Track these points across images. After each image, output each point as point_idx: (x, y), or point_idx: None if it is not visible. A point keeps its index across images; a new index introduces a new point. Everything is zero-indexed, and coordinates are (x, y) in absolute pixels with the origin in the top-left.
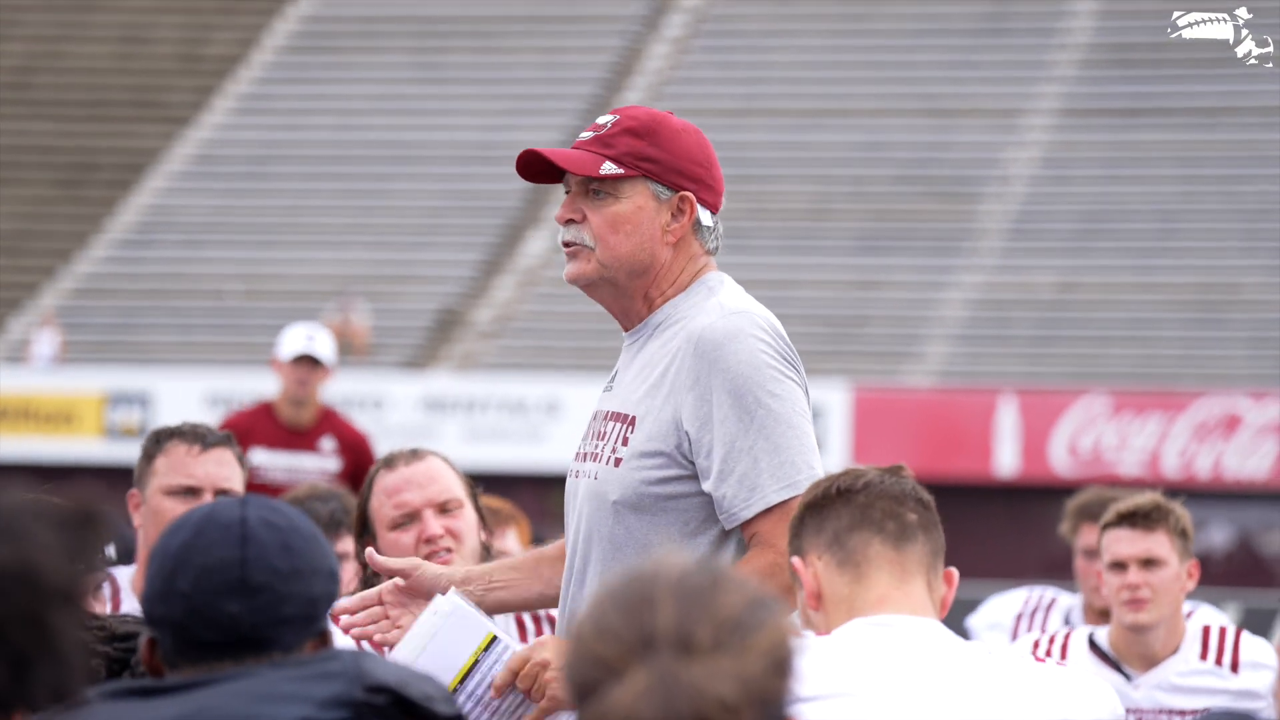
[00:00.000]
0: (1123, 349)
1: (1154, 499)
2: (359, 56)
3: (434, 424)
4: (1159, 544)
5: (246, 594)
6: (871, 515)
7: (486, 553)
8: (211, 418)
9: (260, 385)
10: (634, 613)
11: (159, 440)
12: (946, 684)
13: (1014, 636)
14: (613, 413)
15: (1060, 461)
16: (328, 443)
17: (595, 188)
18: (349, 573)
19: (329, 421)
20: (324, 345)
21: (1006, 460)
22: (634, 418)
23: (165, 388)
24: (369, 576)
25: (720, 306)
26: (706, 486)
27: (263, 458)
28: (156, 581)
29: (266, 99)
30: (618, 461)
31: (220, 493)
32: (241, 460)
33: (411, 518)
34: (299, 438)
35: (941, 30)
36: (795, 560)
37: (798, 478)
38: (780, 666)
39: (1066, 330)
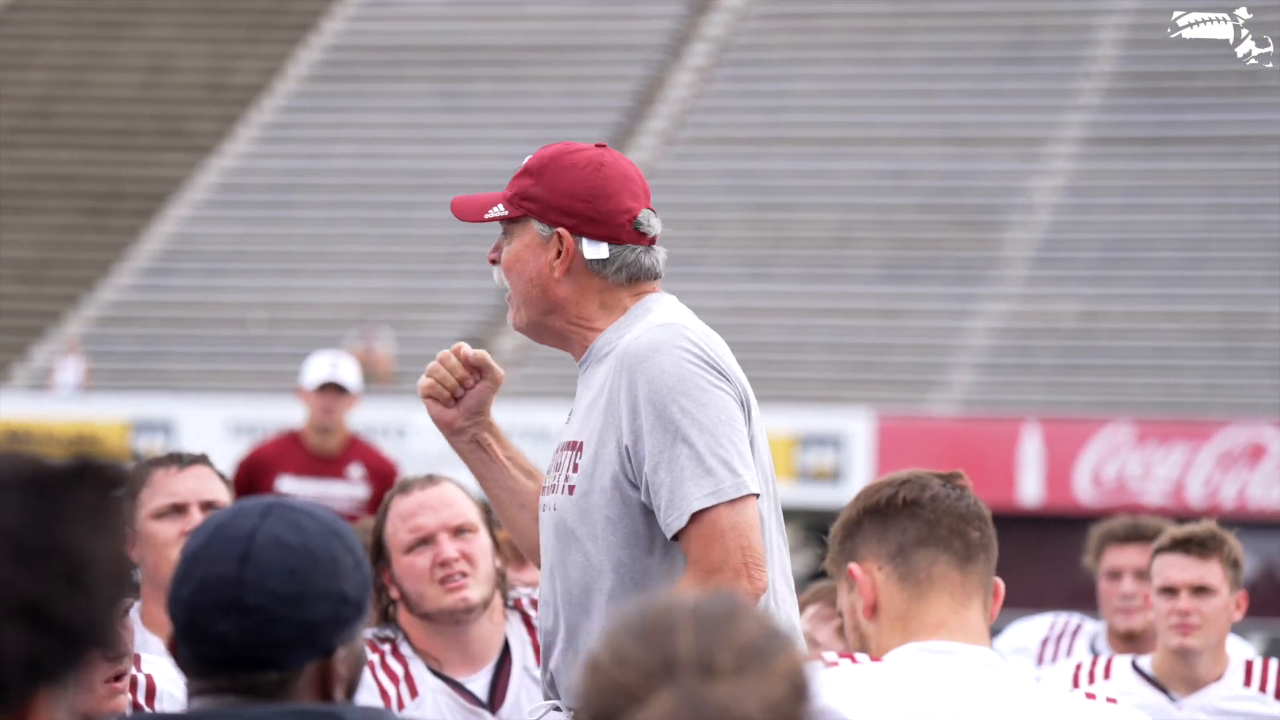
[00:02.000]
0: (1147, 378)
1: (1209, 527)
2: (382, 85)
3: None
4: (1212, 572)
5: (239, 614)
6: (939, 532)
7: (502, 579)
8: (235, 445)
9: (283, 413)
10: (653, 640)
11: (138, 474)
12: (1007, 716)
13: (1039, 661)
14: (567, 442)
15: (1084, 491)
16: (356, 470)
17: (504, 229)
18: None
19: (356, 449)
20: (349, 372)
21: (1030, 489)
22: (581, 443)
23: (189, 415)
24: (386, 603)
25: (648, 323)
26: (647, 501)
27: (290, 486)
28: (172, 583)
29: (290, 127)
30: (571, 489)
31: (206, 505)
32: (224, 478)
33: (426, 541)
34: (327, 465)
35: (966, 59)
36: (854, 567)
37: (722, 485)
38: (800, 691)
39: (1091, 359)
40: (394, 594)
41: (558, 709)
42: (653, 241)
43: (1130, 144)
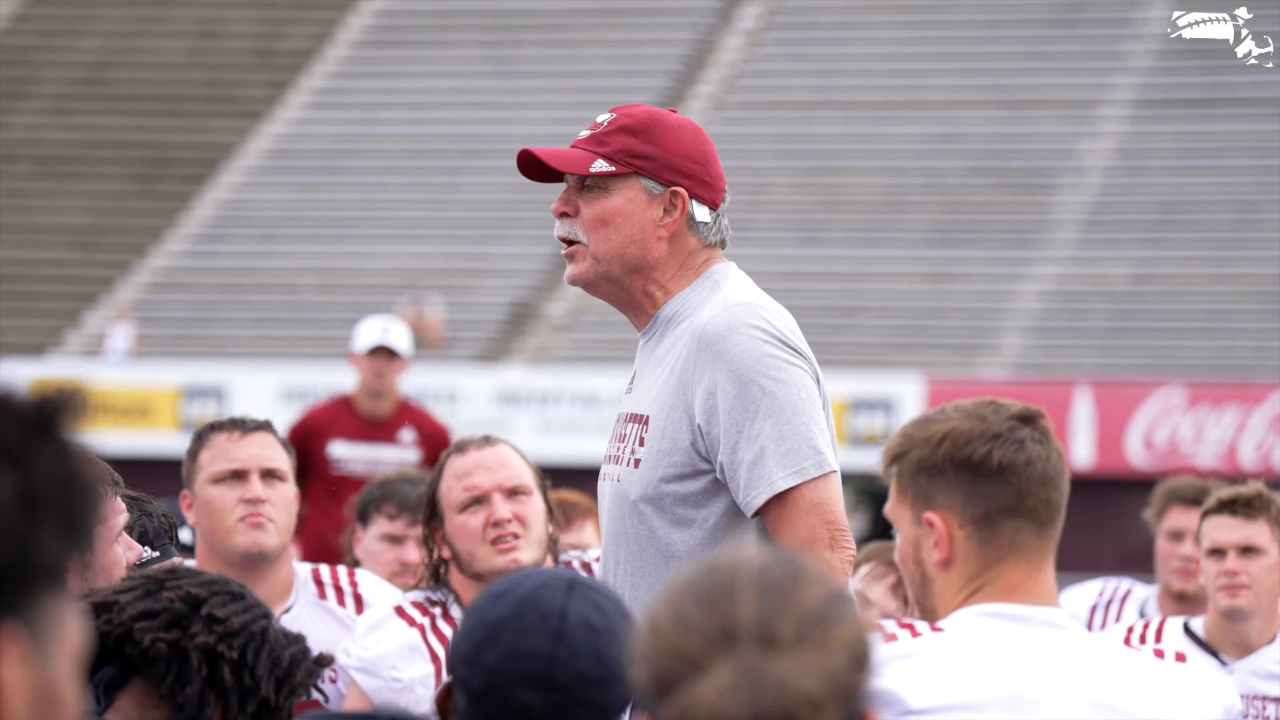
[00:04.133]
0: (1199, 340)
1: (1257, 488)
2: (432, 50)
3: (508, 417)
4: (1259, 532)
5: (546, 689)
6: (1027, 502)
7: (554, 544)
8: (286, 410)
9: (334, 378)
10: (714, 605)
11: (200, 436)
12: (1080, 685)
13: (1089, 627)
14: (631, 414)
15: (1136, 454)
16: (407, 434)
17: (589, 184)
18: (420, 558)
19: (408, 413)
20: (400, 337)
21: (1082, 453)
22: (648, 417)
23: (240, 381)
24: (437, 561)
25: (723, 300)
26: (721, 479)
27: (342, 450)
28: (466, 644)
29: (340, 93)
30: (636, 462)
31: (266, 473)
32: (286, 445)
33: (480, 501)
34: (378, 429)
35: (1016, 21)
36: (933, 517)
37: (804, 464)
38: (861, 661)
39: (1142, 322)
40: (446, 553)
41: None
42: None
43: (1181, 105)
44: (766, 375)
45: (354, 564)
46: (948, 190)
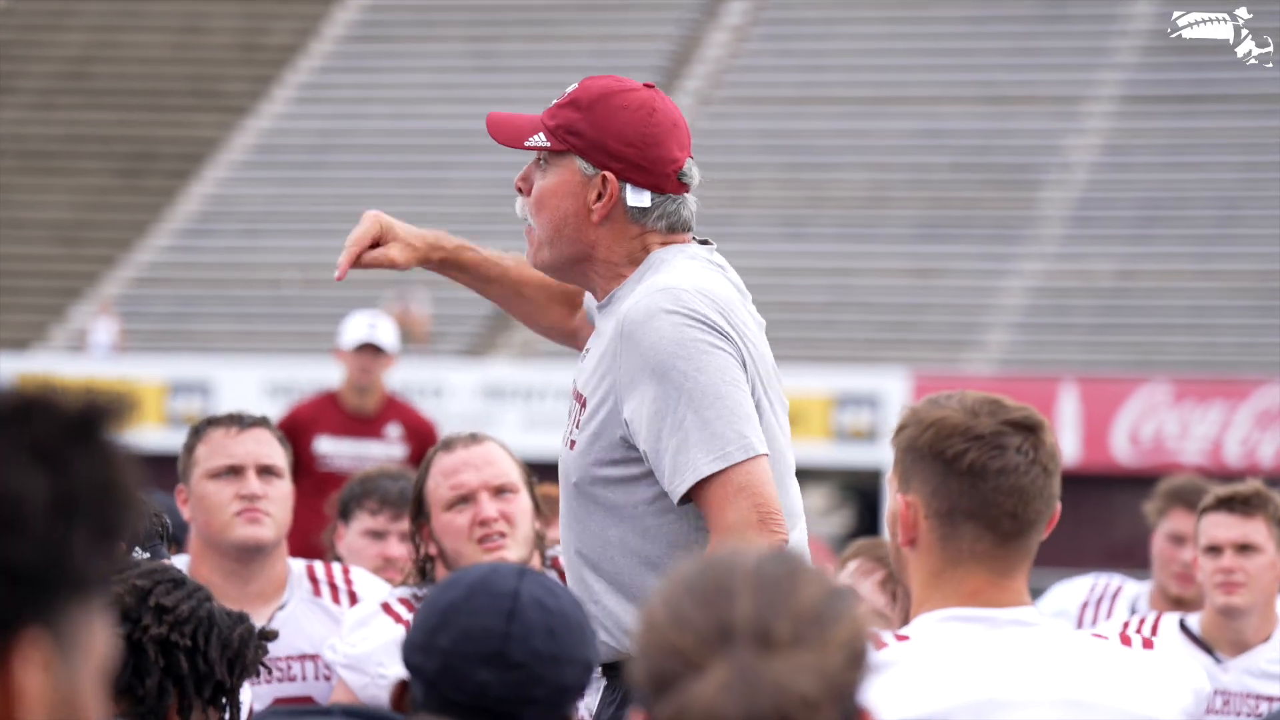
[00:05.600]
0: (1184, 336)
1: (1255, 486)
2: (416, 45)
3: (493, 412)
4: (1256, 530)
5: (502, 667)
6: (992, 512)
7: (540, 540)
8: (271, 406)
9: (319, 373)
10: (711, 603)
11: (197, 431)
12: (1051, 683)
13: (1079, 625)
14: (575, 390)
15: (1121, 450)
16: (393, 429)
17: (540, 158)
18: (403, 553)
19: (394, 408)
20: (386, 333)
21: (1067, 449)
22: (585, 398)
23: (225, 376)
24: (423, 558)
25: (649, 286)
26: (649, 467)
27: (328, 446)
28: (419, 632)
29: (324, 88)
30: (573, 444)
31: (263, 469)
32: (283, 441)
33: (466, 499)
34: (364, 425)
35: (1001, 17)
36: (905, 497)
37: (728, 448)
38: (857, 659)
39: (1127, 318)
40: (432, 550)
41: None
42: (688, 190)
43: (1167, 102)
44: (686, 360)
45: (335, 560)
46: (933, 186)
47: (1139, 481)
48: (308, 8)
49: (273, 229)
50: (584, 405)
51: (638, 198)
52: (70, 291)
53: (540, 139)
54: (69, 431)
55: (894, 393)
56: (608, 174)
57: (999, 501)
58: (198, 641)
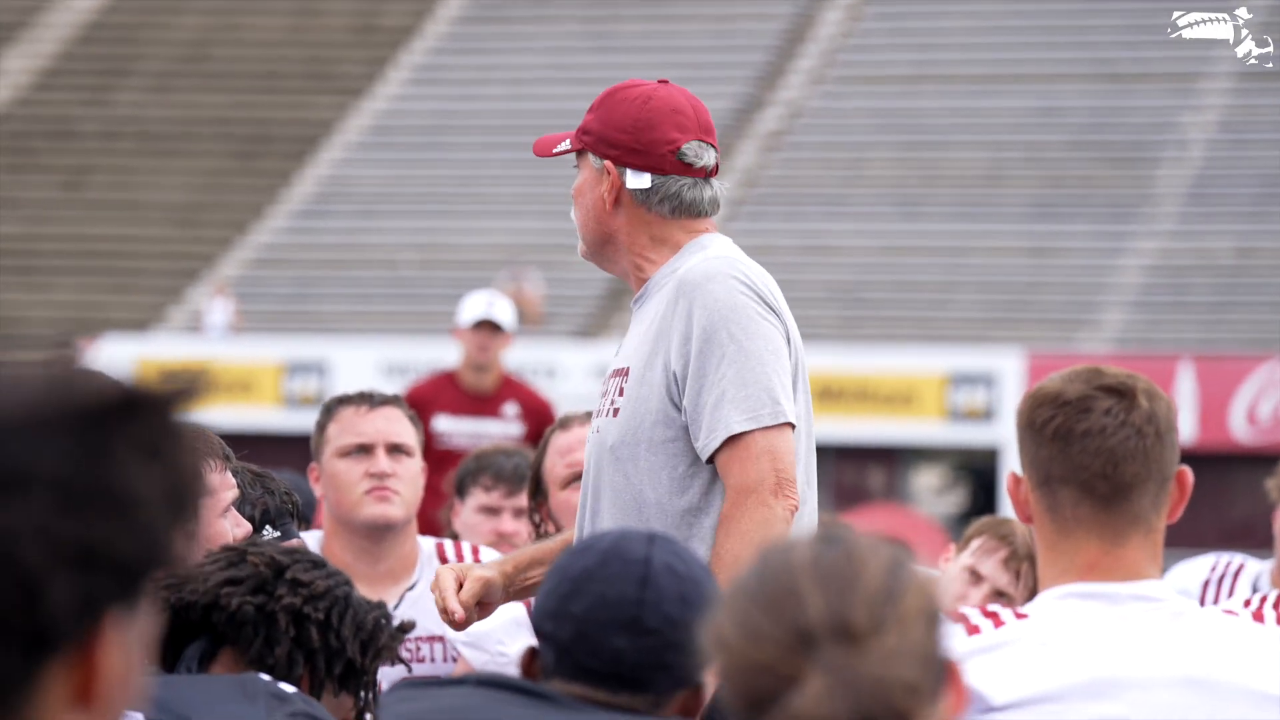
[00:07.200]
0: None
1: None
2: (531, 26)
3: None
4: None
5: (637, 633)
6: (1082, 475)
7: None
8: (387, 385)
9: (435, 353)
10: (780, 610)
11: (329, 409)
12: (1172, 661)
13: (1201, 603)
14: (614, 370)
15: (1239, 429)
16: (511, 408)
17: (575, 163)
18: (523, 531)
19: (511, 387)
20: (504, 311)
21: (1185, 428)
22: (629, 369)
23: (342, 356)
24: (540, 536)
25: (704, 256)
26: (686, 421)
27: (446, 425)
28: (551, 600)
29: (440, 69)
30: (615, 412)
31: (392, 448)
32: (414, 420)
33: (582, 477)
34: (482, 404)
35: None
36: (1013, 475)
37: (760, 411)
38: (934, 620)
39: (1245, 296)
40: (550, 528)
41: None
42: (703, 174)
43: None
44: (736, 324)
45: (453, 537)
46: (1048, 164)
47: (1257, 460)
48: None
49: (389, 210)
50: (627, 375)
51: (636, 180)
52: (188, 273)
53: (565, 145)
54: (174, 426)
55: (1009, 372)
56: (608, 163)
57: (1086, 464)
58: (330, 618)
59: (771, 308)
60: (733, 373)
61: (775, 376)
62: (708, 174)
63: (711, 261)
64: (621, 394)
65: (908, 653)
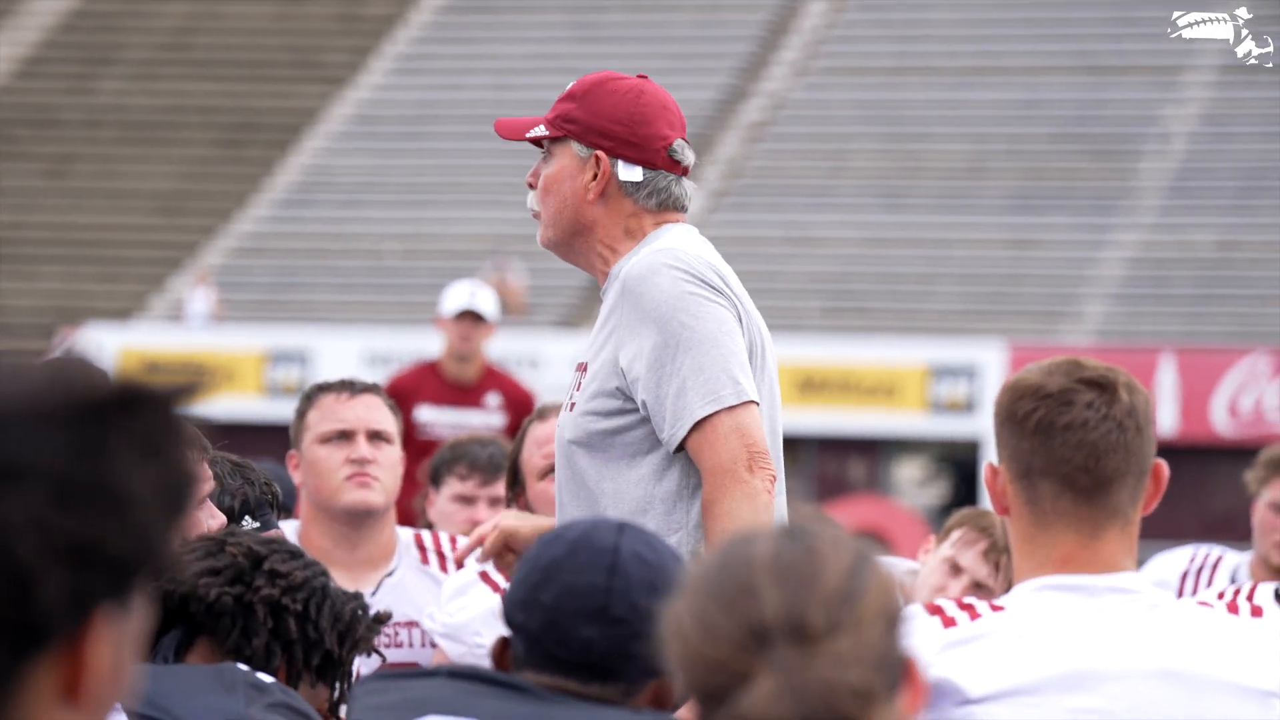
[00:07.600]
0: None
1: None
2: (515, 16)
3: None
4: None
5: (605, 623)
6: (1064, 469)
7: None
8: (369, 375)
9: (417, 344)
10: (737, 606)
11: (309, 396)
12: (1148, 654)
13: (1180, 594)
14: (578, 365)
15: (1220, 422)
16: (493, 399)
17: (544, 153)
18: (487, 516)
19: (493, 378)
20: (487, 301)
21: (1166, 420)
22: (586, 364)
23: (324, 346)
24: None
25: (649, 249)
26: (646, 417)
27: (428, 415)
28: (522, 589)
29: (424, 59)
30: (573, 406)
31: (373, 435)
32: (393, 409)
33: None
34: (464, 394)
35: None
36: (991, 466)
37: (722, 392)
38: (893, 621)
39: (1227, 289)
40: None
41: None
42: (684, 172)
43: (1267, 72)
44: (685, 311)
45: (428, 527)
46: (1030, 156)
47: (1238, 454)
48: None
49: (372, 200)
50: (585, 369)
51: (629, 172)
52: (171, 262)
53: (540, 130)
54: (174, 424)
55: (991, 364)
56: (600, 153)
57: (1068, 457)
58: (309, 609)
59: (718, 289)
60: (689, 360)
61: (732, 357)
62: (687, 172)
63: (651, 255)
64: (579, 389)
65: (862, 656)
